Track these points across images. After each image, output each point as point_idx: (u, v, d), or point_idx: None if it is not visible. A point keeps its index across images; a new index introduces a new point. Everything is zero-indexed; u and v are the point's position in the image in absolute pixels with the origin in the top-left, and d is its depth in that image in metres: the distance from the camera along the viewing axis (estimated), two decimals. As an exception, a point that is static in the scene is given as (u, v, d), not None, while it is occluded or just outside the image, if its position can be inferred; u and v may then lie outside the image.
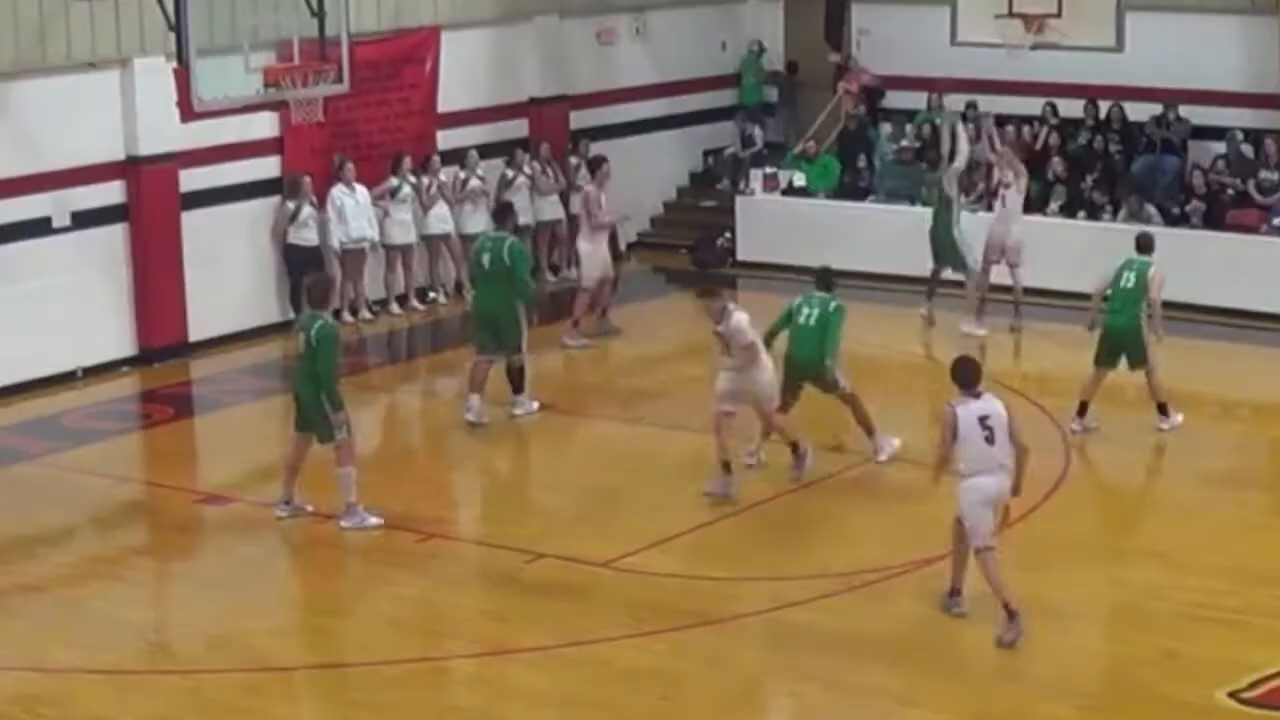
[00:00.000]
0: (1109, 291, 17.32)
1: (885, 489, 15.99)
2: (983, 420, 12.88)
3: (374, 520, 15.22)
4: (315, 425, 15.24)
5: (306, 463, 15.49)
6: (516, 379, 18.20)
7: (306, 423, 15.33)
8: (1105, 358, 17.31)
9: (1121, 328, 17.16)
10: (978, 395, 13.04)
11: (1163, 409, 17.30)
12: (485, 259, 18.07)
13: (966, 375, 13.12)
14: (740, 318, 15.68)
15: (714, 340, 15.95)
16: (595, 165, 21.94)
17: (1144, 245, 17.49)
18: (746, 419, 16.04)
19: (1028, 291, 21.33)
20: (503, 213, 18.97)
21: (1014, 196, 21.06)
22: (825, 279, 16.69)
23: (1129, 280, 17.16)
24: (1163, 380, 17.26)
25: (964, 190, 22.05)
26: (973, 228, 21.29)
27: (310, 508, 15.48)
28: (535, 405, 18.38)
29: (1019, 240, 20.95)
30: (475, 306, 18.58)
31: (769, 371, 15.90)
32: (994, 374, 20.16)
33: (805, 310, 16.37)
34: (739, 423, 15.85)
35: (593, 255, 21.10)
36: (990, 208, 22.04)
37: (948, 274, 21.35)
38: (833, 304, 16.39)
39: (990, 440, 12.84)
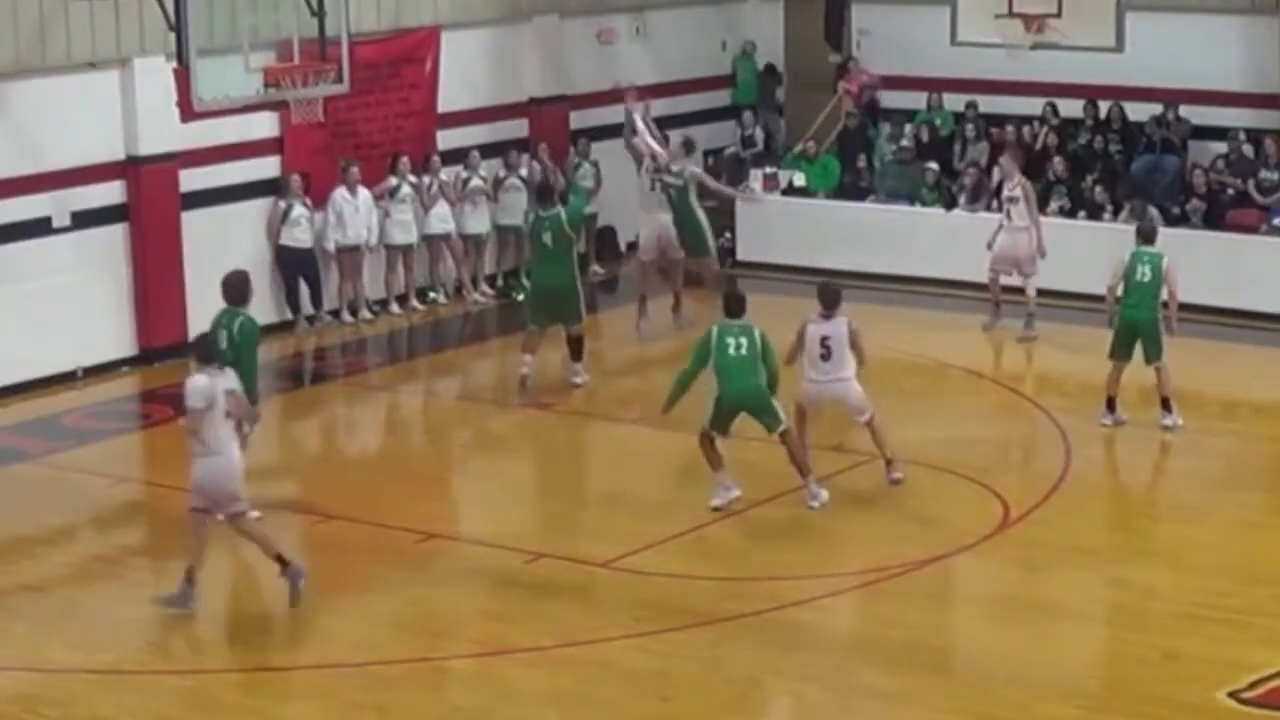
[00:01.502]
0: (1122, 286, 17.35)
1: (885, 489, 15.97)
2: (823, 339, 15.52)
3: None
4: None
5: (305, 463, 15.48)
6: (576, 348, 19.11)
7: None
8: (1121, 351, 17.34)
9: (1140, 321, 17.20)
10: (830, 318, 15.58)
11: (1167, 405, 17.32)
12: (547, 237, 18.72)
13: (828, 299, 15.69)
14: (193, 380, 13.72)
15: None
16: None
17: (1149, 235, 17.54)
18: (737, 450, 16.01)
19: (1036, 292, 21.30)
20: (547, 191, 19.63)
21: (1019, 209, 20.94)
22: (735, 304, 15.69)
23: (1144, 274, 17.20)
24: (1172, 377, 17.29)
25: (963, 190, 22.06)
26: (975, 227, 21.31)
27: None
28: (587, 376, 19.22)
29: (1030, 252, 20.82)
30: (538, 282, 19.25)
31: (239, 462, 13.82)
32: (994, 374, 20.29)
33: (730, 341, 15.32)
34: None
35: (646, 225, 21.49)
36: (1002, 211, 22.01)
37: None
38: (756, 331, 15.37)
39: (826, 357, 15.53)
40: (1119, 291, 17.44)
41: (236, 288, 15.59)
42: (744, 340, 15.32)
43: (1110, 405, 17.48)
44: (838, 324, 15.67)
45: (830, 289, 15.88)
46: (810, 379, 15.80)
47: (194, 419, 13.53)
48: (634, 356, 21.08)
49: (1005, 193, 21.15)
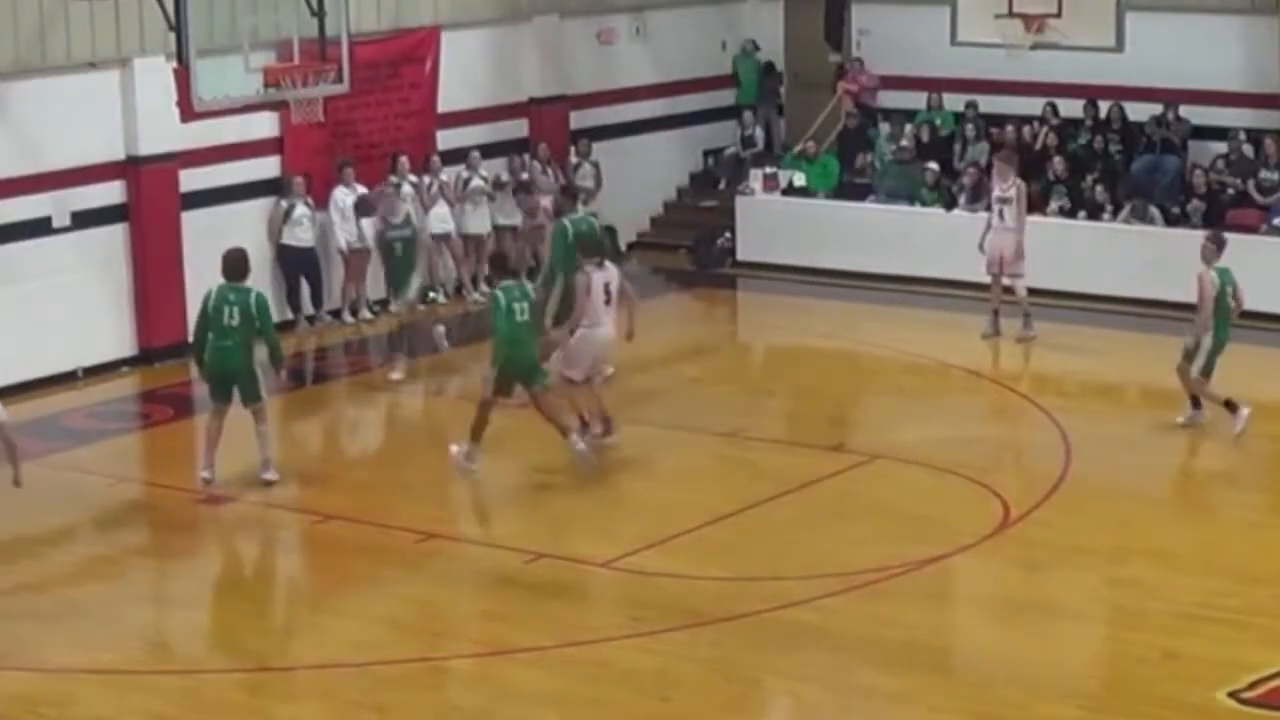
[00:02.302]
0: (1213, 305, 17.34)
1: (885, 489, 15.98)
2: (606, 286, 16.32)
3: (270, 476, 16.30)
4: (253, 394, 16.19)
5: (305, 463, 15.50)
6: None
7: (236, 391, 16.20)
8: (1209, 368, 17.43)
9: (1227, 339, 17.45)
10: (601, 266, 16.47)
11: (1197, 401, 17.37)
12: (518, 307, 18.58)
13: (593, 250, 16.74)
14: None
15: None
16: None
17: (1222, 245, 17.55)
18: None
19: (1027, 291, 21.32)
20: (571, 194, 19.69)
21: (1011, 210, 20.92)
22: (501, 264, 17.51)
23: (1229, 294, 17.35)
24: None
25: (963, 190, 22.07)
26: (972, 227, 21.31)
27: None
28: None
29: (1016, 252, 20.79)
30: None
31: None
32: (994, 374, 20.29)
33: (516, 306, 16.27)
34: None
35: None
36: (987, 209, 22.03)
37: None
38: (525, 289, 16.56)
39: (607, 302, 16.27)
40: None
41: (237, 264, 16.23)
42: (525, 305, 16.34)
43: (1195, 402, 17.48)
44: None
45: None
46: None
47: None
48: (634, 356, 21.07)
49: (998, 193, 21.12)
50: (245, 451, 17.22)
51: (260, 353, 16.40)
